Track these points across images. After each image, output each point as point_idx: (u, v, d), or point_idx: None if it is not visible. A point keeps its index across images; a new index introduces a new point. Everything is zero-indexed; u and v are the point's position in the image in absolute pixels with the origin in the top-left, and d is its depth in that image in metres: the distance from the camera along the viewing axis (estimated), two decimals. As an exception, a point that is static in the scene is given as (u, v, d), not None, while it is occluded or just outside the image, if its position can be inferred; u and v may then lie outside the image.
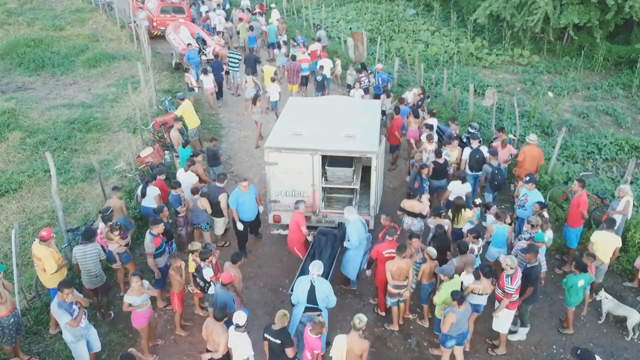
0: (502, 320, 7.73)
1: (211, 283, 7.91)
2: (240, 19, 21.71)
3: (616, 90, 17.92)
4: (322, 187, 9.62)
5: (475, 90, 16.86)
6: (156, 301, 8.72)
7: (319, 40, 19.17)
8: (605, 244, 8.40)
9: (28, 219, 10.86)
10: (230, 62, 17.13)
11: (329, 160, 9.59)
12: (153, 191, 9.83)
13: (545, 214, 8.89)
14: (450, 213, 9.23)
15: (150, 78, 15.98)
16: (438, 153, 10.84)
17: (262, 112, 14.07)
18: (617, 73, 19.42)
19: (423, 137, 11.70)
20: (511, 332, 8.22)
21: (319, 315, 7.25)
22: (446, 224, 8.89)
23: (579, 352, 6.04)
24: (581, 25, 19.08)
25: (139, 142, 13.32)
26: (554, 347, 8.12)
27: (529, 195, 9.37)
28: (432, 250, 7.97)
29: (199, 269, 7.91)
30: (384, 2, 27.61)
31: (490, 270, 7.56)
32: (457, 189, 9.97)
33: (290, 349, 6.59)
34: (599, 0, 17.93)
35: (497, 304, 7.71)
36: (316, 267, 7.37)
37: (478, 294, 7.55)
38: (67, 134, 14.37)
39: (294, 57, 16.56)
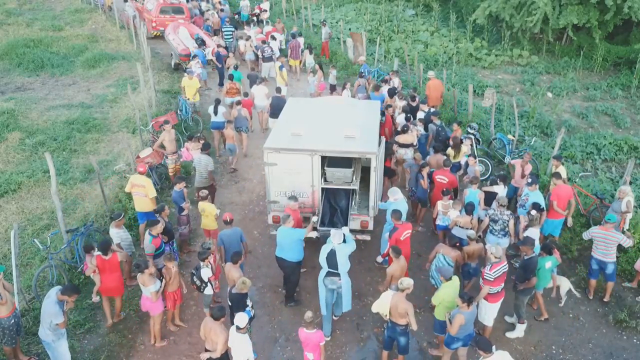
0: (485, 312, 7.82)
1: (207, 283, 7.94)
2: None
3: (615, 91, 17.94)
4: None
5: (475, 91, 16.86)
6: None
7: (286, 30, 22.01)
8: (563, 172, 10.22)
9: (27, 219, 10.86)
10: (225, 34, 20.12)
11: (329, 161, 9.58)
12: (222, 109, 13.14)
13: (533, 212, 8.83)
14: (450, 150, 11.19)
15: (149, 78, 15.98)
16: (412, 97, 13.34)
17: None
18: (616, 73, 19.43)
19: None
20: (508, 328, 8.30)
21: (339, 280, 7.69)
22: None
23: (477, 339, 6.55)
24: (580, 25, 19.10)
25: (139, 143, 13.31)
26: (553, 347, 8.13)
27: (529, 196, 9.38)
28: (471, 233, 8.30)
29: (197, 268, 7.93)
30: (384, 3, 27.57)
31: (472, 207, 8.89)
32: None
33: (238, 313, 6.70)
34: (598, 1, 17.93)
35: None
36: (337, 236, 7.69)
37: (460, 226, 8.76)
38: (67, 134, 14.37)
39: (294, 35, 19.01)
